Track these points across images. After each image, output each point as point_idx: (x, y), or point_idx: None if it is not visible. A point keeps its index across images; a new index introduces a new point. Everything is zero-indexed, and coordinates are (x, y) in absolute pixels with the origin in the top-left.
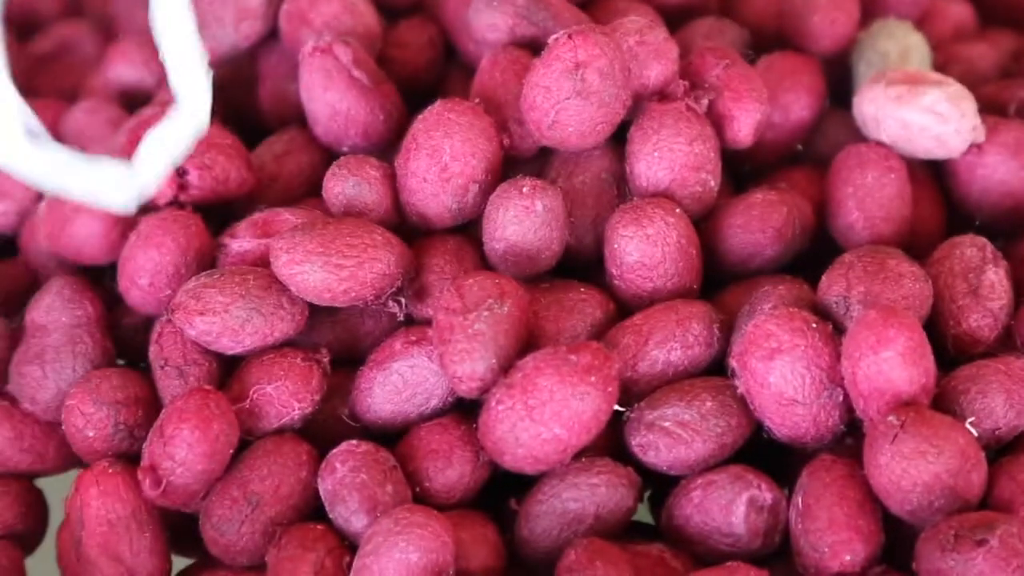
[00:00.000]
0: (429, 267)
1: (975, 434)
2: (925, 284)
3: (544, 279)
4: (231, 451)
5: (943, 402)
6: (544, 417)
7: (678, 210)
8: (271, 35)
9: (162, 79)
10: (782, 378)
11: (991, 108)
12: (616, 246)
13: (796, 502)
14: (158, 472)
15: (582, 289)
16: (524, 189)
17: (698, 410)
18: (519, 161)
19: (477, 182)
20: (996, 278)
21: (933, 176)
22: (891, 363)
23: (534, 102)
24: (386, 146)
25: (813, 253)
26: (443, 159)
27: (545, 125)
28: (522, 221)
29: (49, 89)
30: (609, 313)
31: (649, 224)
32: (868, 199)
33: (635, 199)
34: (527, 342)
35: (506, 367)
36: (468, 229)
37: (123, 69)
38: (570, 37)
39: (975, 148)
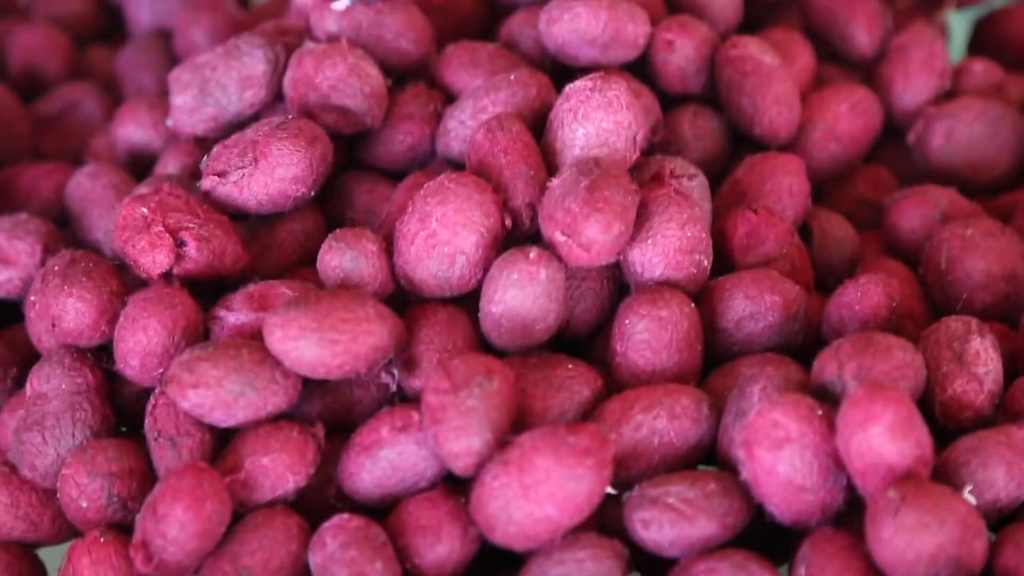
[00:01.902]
0: (419, 338)
1: (974, 502)
2: (916, 355)
3: (533, 352)
4: (223, 529)
5: (944, 474)
6: (539, 497)
7: (692, 305)
8: (274, 100)
9: (169, 141)
10: (791, 467)
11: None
12: (627, 322)
13: (799, 575)
14: (150, 549)
15: (570, 366)
16: (531, 255)
17: (702, 490)
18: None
19: (464, 254)
20: (981, 347)
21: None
22: (880, 438)
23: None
24: None
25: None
26: (431, 225)
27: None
28: (524, 286)
29: (54, 150)
30: (597, 391)
31: (665, 307)
32: None
33: (644, 282)
34: (517, 418)
35: (500, 443)
36: (463, 301)
37: (132, 130)
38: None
39: None
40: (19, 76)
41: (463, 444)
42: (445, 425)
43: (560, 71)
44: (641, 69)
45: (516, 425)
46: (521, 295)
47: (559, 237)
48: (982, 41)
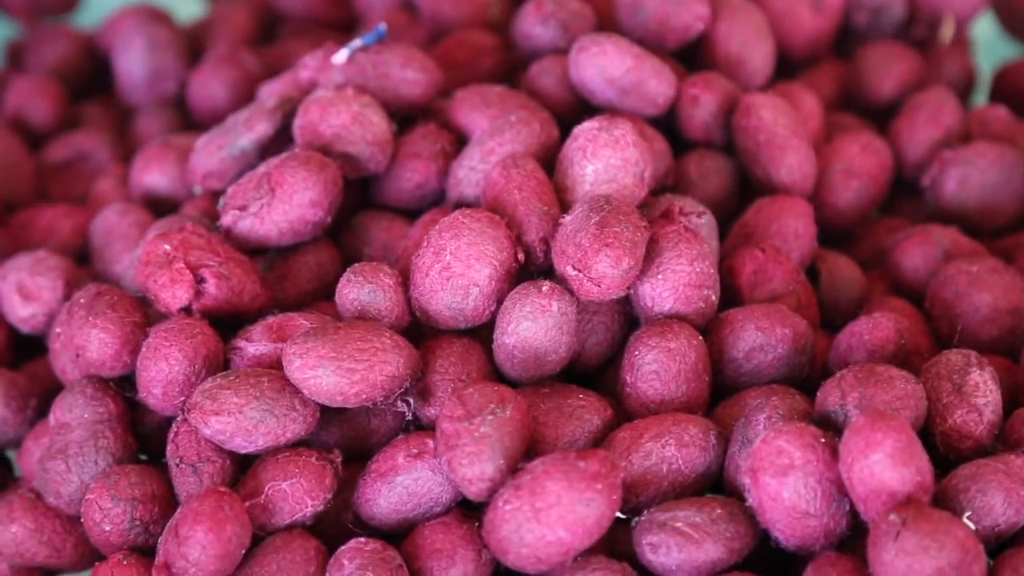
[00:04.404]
0: (434, 368)
1: (973, 528)
2: (916, 386)
3: (544, 383)
4: (243, 551)
5: (944, 501)
6: (550, 520)
7: (700, 338)
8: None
9: (190, 193)
10: (795, 493)
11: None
12: (637, 353)
13: None
14: (172, 570)
15: (580, 395)
16: (543, 288)
17: (709, 515)
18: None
19: (478, 286)
20: (980, 379)
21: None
22: (881, 464)
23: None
24: None
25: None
26: (446, 258)
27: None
28: (536, 319)
29: (61, 194)
30: (607, 419)
31: (674, 339)
32: None
33: (654, 315)
34: (529, 445)
35: (512, 469)
36: (477, 332)
37: (157, 177)
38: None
39: None
40: (10, 125)
41: (476, 470)
42: (459, 451)
43: (578, 116)
44: (663, 117)
45: (529, 452)
46: (534, 327)
47: (571, 272)
48: (1000, 91)
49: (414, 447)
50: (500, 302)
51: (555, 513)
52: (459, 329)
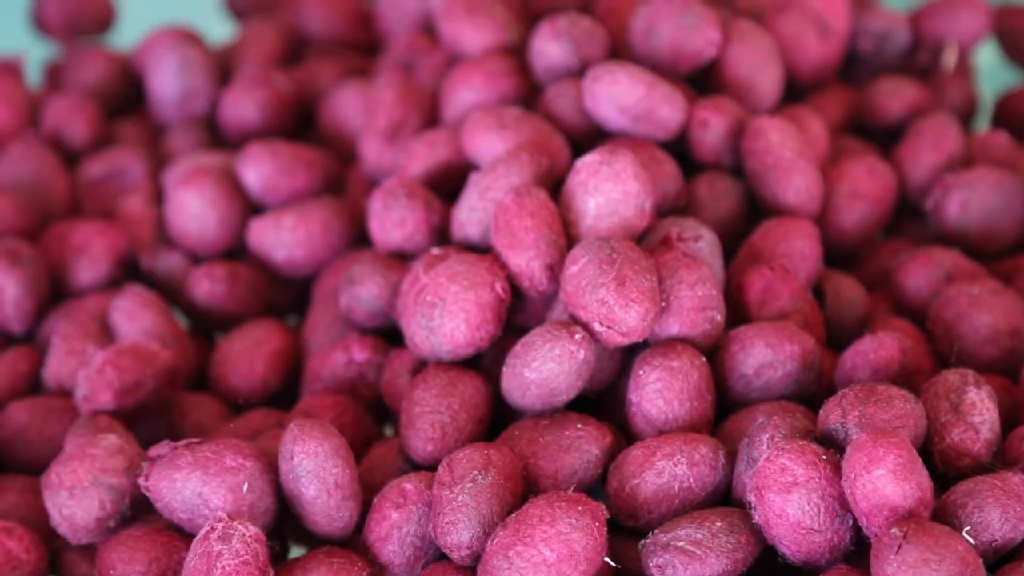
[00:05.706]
0: (413, 399)
1: (972, 543)
2: (916, 405)
3: (545, 413)
4: None
5: (943, 516)
6: (534, 540)
7: (704, 359)
8: None
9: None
10: (800, 509)
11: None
12: (641, 372)
13: None
14: None
15: (579, 425)
16: (577, 336)
17: (709, 529)
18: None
19: (443, 300)
20: (977, 398)
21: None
22: (884, 480)
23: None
24: None
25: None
26: (421, 280)
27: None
28: (562, 362)
29: (93, 207)
30: (606, 448)
31: (676, 358)
32: None
33: (662, 341)
34: (516, 500)
35: (490, 532)
36: (477, 367)
37: (192, 199)
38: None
39: None
40: (47, 143)
41: (454, 539)
42: (440, 519)
43: (593, 139)
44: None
45: (525, 495)
46: (557, 369)
47: (598, 327)
48: (1002, 117)
49: (397, 498)
50: (483, 331)
51: (538, 535)
52: (442, 359)
